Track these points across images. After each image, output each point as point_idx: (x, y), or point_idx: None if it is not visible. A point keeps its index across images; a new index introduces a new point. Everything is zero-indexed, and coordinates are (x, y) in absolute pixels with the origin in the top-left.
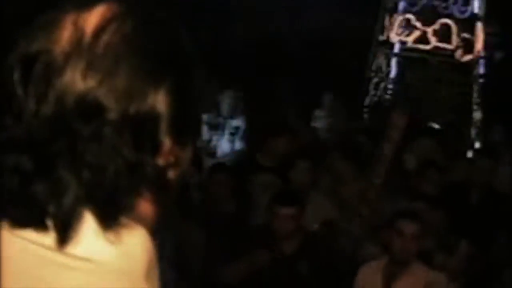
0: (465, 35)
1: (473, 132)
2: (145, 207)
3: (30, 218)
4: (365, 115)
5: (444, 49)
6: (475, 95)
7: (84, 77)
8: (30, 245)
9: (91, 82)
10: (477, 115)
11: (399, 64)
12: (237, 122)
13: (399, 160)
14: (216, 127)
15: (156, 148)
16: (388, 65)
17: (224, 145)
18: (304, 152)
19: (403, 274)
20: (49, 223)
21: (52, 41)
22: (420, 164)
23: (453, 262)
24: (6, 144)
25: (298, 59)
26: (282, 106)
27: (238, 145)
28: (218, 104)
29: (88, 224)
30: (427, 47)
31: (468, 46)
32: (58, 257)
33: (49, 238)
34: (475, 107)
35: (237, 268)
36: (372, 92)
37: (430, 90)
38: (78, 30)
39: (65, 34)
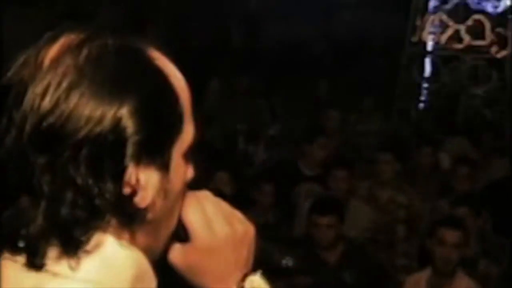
0: (499, 30)
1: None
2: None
3: (2, 242)
4: (402, 117)
5: (478, 46)
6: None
7: (38, 106)
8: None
9: (44, 109)
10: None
11: (433, 63)
12: (274, 129)
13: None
14: (252, 135)
15: (118, 174)
16: (422, 65)
17: (260, 153)
18: (341, 159)
19: (448, 286)
20: (22, 244)
21: (18, 76)
22: (454, 162)
23: (497, 269)
24: None
25: (331, 63)
26: (320, 111)
27: (276, 153)
28: (254, 112)
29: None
30: (461, 45)
31: (502, 41)
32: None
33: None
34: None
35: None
36: (407, 93)
37: (465, 87)
38: (38, 63)
39: (28, 68)
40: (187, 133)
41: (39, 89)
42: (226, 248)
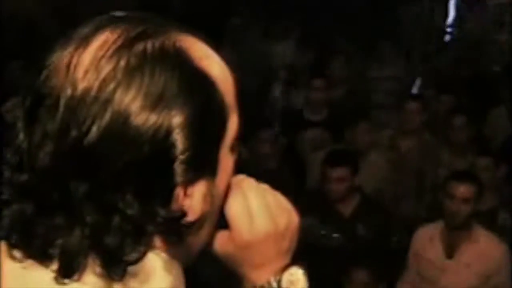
0: None
1: None
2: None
3: (33, 249)
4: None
5: None
6: None
7: (76, 124)
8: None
9: (81, 129)
10: None
11: (457, 8)
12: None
13: None
14: None
15: (168, 195)
16: (446, 9)
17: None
18: (364, 110)
19: (466, 242)
20: (53, 253)
21: (50, 84)
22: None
23: None
24: (10, 187)
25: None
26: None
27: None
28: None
29: (93, 271)
30: None
31: None
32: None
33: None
34: None
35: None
36: (430, 38)
37: (490, 33)
38: (70, 72)
39: (60, 76)
40: (232, 128)
41: (74, 102)
42: (267, 242)
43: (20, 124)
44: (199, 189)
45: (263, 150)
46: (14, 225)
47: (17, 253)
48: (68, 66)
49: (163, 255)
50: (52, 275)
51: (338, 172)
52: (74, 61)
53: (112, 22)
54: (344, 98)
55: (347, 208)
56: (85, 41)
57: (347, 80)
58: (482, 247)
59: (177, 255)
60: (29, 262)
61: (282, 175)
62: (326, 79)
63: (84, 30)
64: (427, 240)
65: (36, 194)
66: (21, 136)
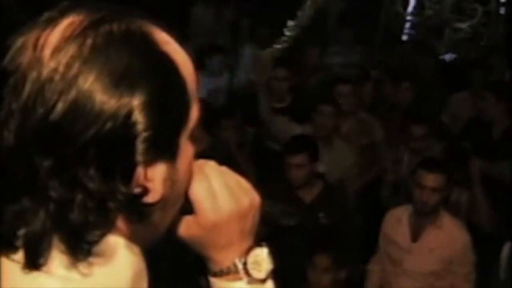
0: None
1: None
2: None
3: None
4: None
5: None
6: (495, 25)
7: (42, 99)
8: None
9: (48, 104)
10: (497, 44)
11: None
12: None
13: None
14: None
15: (129, 173)
16: None
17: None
18: (328, 95)
19: (431, 227)
20: (19, 244)
21: (16, 63)
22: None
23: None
24: None
25: None
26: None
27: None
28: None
29: (59, 253)
30: None
31: None
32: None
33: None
34: (495, 36)
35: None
36: (389, 25)
37: (450, 21)
38: (37, 51)
39: (26, 55)
40: (194, 115)
41: (41, 80)
42: (231, 222)
43: None
44: (159, 171)
45: (225, 137)
46: None
47: None
48: (35, 46)
49: (126, 238)
50: (18, 266)
51: (297, 159)
52: (41, 41)
53: (78, 7)
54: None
55: (308, 195)
56: (52, 23)
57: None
58: (446, 233)
59: (139, 236)
60: None
61: (245, 162)
62: (288, 69)
63: (51, 13)
64: (395, 222)
65: (2, 175)
66: None
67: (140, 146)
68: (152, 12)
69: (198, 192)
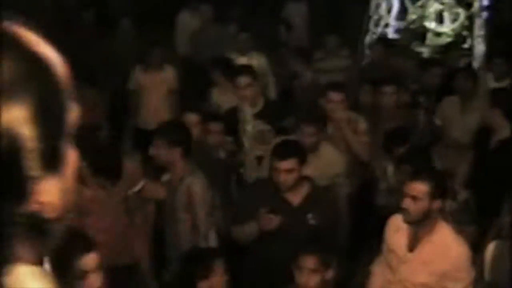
0: None
1: (476, 64)
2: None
3: None
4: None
5: None
6: (477, 28)
7: None
8: None
9: None
10: (480, 48)
11: (400, 0)
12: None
13: None
14: None
15: (23, 191)
16: (389, 2)
17: None
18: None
19: (426, 238)
20: None
21: None
22: None
23: None
24: None
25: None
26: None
27: None
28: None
29: None
30: None
31: None
32: None
33: None
34: (478, 40)
35: (250, 229)
36: (373, 30)
37: (432, 25)
38: None
39: None
40: (72, 118)
41: None
42: None
43: None
44: (54, 184)
45: (212, 141)
46: None
47: None
48: None
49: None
50: None
51: (286, 164)
52: None
53: None
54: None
55: (296, 197)
56: None
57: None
58: (440, 246)
59: (39, 251)
60: None
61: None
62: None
63: None
64: (394, 230)
65: None
66: None
67: (30, 159)
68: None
69: None
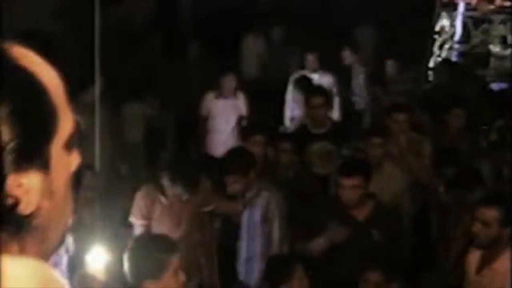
0: None
1: None
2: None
3: None
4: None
5: (509, 7)
6: None
7: None
8: None
9: None
10: None
11: (463, 24)
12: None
13: None
14: None
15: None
16: (452, 25)
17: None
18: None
19: (492, 264)
20: None
21: None
22: None
23: None
24: None
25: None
26: None
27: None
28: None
29: None
30: (491, 6)
31: None
32: None
33: None
34: None
35: (319, 244)
36: (437, 53)
37: (495, 49)
38: None
39: None
40: (65, 125)
41: None
42: None
43: None
44: (33, 182)
45: (283, 160)
46: None
47: None
48: None
49: (17, 255)
50: None
51: (351, 180)
52: None
53: None
54: None
55: (360, 213)
56: None
57: None
58: (505, 273)
59: (32, 251)
60: None
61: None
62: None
63: None
64: (473, 249)
65: None
66: None
67: (8, 157)
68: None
69: None
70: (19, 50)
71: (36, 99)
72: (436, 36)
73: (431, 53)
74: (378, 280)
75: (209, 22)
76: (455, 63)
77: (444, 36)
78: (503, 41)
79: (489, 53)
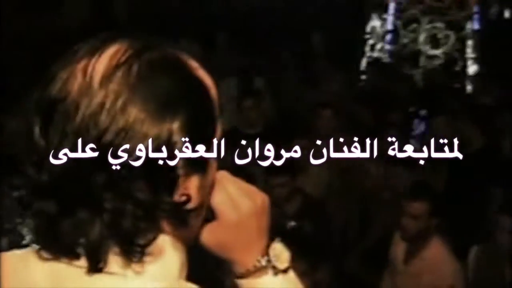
0: None
1: (468, 86)
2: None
3: (61, 250)
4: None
5: (438, 7)
6: (469, 50)
7: (95, 123)
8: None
9: (102, 127)
10: (472, 69)
11: (394, 25)
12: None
13: None
14: None
15: (172, 185)
16: (383, 26)
17: None
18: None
19: (421, 252)
20: (80, 250)
21: (65, 90)
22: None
23: None
24: (32, 191)
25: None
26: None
27: None
28: None
29: (115, 255)
30: (421, 6)
31: (461, 3)
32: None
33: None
34: (470, 62)
35: None
36: (367, 54)
37: (425, 49)
38: (87, 79)
39: (76, 83)
40: (218, 132)
41: (93, 106)
42: (250, 220)
43: (35, 127)
44: (195, 182)
45: None
46: (39, 226)
47: (44, 254)
48: (84, 74)
49: (170, 237)
50: (82, 270)
51: (279, 179)
52: (90, 69)
53: (118, 36)
54: None
55: (290, 207)
56: (97, 51)
57: None
58: (434, 261)
59: (181, 238)
60: (58, 261)
61: None
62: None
63: (93, 43)
64: (397, 241)
65: (57, 193)
66: (37, 137)
67: (180, 162)
68: None
69: (218, 199)
70: (192, 60)
71: (207, 110)
72: (367, 37)
73: (362, 54)
74: (302, 269)
75: (147, 26)
76: (385, 63)
77: (375, 37)
78: (433, 41)
79: (419, 53)
